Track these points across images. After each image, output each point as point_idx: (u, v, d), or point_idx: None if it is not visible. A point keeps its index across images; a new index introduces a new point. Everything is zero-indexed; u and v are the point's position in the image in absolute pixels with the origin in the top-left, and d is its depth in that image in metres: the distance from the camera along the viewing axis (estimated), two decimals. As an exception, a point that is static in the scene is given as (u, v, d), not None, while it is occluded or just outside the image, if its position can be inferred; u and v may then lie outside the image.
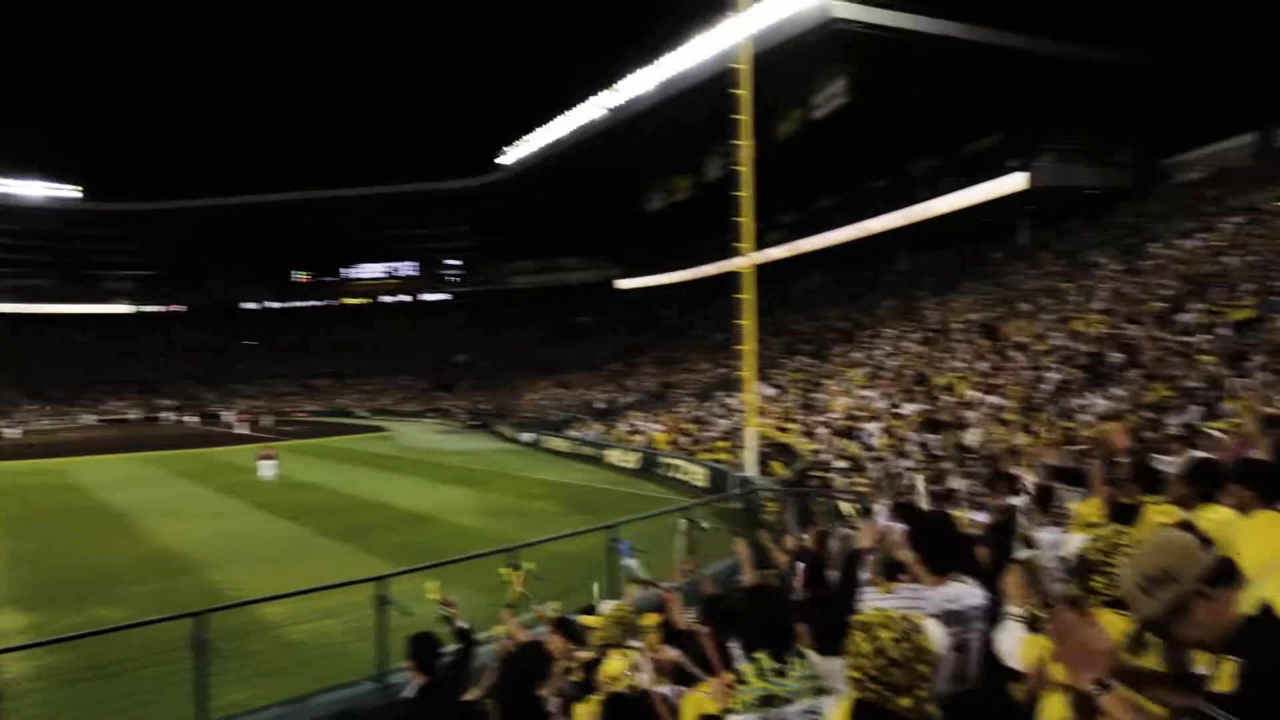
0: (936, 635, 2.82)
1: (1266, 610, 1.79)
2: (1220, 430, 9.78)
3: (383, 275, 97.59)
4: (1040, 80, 37.12)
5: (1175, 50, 35.44)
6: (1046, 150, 38.74)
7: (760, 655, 3.42)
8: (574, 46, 56.94)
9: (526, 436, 44.12)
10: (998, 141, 41.18)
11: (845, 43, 36.45)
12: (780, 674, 3.34)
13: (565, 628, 5.71)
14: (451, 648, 5.79)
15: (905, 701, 2.35)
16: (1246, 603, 1.85)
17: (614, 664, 4.61)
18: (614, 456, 33.13)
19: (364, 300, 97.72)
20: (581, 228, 68.30)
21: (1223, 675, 1.81)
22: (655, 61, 45.33)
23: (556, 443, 39.46)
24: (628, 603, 5.89)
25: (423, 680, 5.23)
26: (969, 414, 21.05)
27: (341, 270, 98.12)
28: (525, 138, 63.71)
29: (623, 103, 49.15)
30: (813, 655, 3.45)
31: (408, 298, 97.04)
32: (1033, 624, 3.05)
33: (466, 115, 69.36)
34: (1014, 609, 3.25)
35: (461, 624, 5.93)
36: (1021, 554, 4.79)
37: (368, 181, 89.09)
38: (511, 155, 66.90)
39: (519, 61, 64.98)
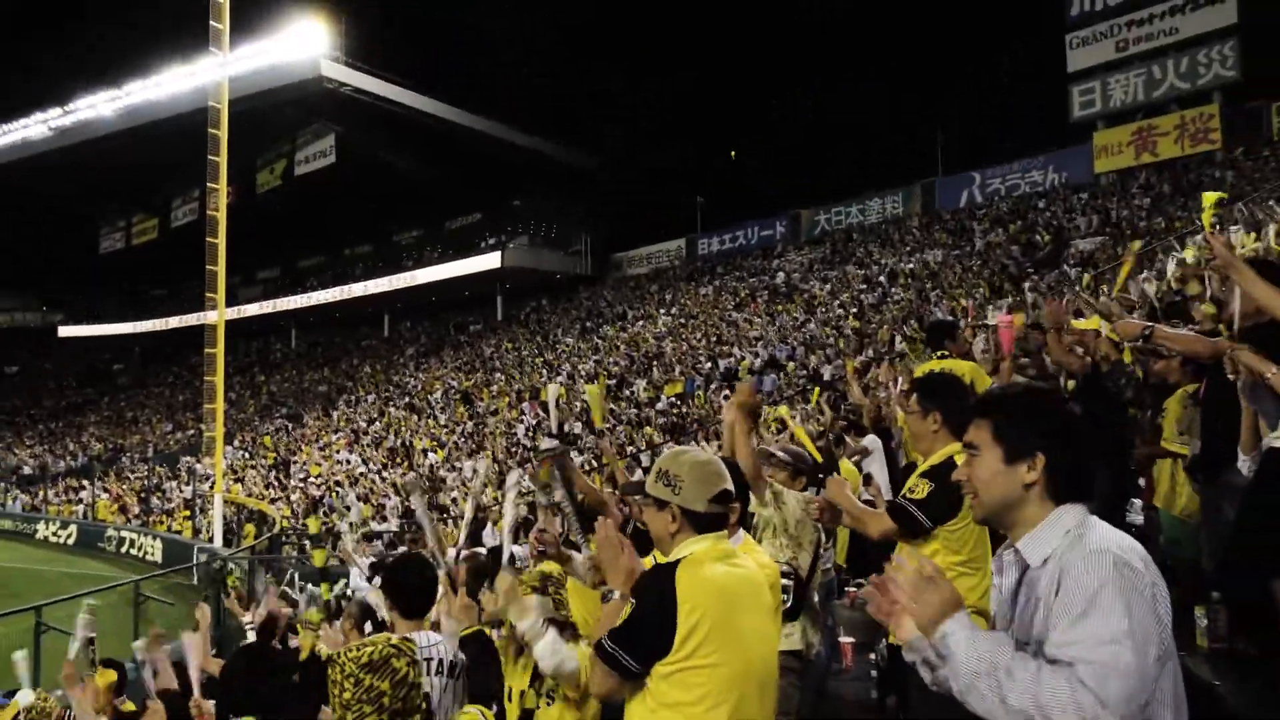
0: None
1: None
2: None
3: None
4: (516, 168, 40.47)
5: (625, 160, 41.45)
6: (519, 234, 42.10)
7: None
8: (16, 50, 48.31)
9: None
10: (477, 220, 43.82)
11: (335, 103, 36.27)
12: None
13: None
14: None
15: None
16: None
17: None
18: (46, 530, 28.45)
19: None
20: (12, 262, 57.72)
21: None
22: (119, 86, 40.34)
23: (-41, 517, 32.71)
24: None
25: None
26: (447, 476, 21.87)
27: None
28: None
29: (73, 124, 42.79)
30: None
31: None
32: None
33: None
34: None
35: None
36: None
37: None
38: (-86, 164, 54.31)
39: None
